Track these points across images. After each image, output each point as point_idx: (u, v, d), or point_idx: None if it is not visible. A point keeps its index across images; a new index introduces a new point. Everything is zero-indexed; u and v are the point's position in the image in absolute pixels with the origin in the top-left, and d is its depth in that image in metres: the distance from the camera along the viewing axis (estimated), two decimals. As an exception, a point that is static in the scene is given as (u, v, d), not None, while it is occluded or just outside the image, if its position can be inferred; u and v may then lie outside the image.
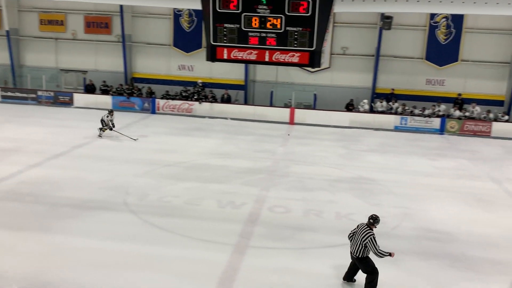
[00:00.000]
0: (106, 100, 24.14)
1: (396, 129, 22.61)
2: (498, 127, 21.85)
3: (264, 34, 10.13)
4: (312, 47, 10.18)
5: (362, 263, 7.43)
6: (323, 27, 9.96)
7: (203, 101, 23.79)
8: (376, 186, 13.39)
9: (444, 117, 22.38)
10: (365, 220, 7.75)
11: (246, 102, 25.19)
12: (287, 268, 8.28)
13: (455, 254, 9.10)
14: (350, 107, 23.48)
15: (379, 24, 22.75)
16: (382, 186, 13.40)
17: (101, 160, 14.60)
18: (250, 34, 10.16)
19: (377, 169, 15.37)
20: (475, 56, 23.59)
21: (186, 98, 24.12)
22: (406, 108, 22.76)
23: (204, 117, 23.51)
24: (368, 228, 7.42)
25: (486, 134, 21.90)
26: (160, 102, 24.01)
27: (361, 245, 7.35)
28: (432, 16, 23.46)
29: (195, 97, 24.00)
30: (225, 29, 10.23)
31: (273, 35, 10.13)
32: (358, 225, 7.69)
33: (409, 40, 23.95)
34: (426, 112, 22.38)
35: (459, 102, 23.00)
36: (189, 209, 10.92)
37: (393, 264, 8.53)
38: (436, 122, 22.28)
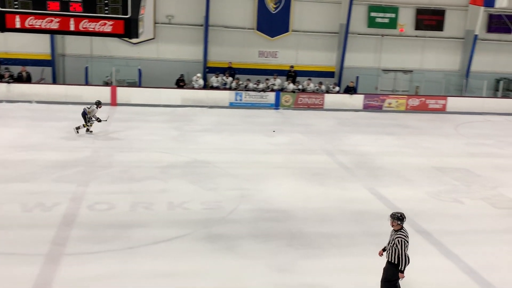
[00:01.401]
0: None
1: (232, 105, 23.49)
2: (330, 99, 24.25)
3: (66, -2, 9.43)
4: (126, 14, 9.85)
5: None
6: (138, -9, 9.70)
7: (-2, 82, 21.47)
8: (212, 169, 13.75)
9: (279, 91, 23.96)
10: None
11: (54, 81, 23.47)
12: (113, 273, 8.01)
13: (293, 232, 9.86)
14: (181, 83, 23.57)
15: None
16: (218, 168, 13.82)
17: None
18: (48, -3, 9.37)
19: (212, 150, 15.79)
20: (306, 26, 25.67)
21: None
22: (240, 82, 23.75)
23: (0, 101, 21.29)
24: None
25: (319, 107, 24.14)
26: None
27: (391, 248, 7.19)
28: (261, -18, 24.75)
29: (-16, 77, 21.50)
30: (14, -9, 9.25)
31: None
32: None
33: (239, 9, 24.92)
34: (261, 86, 23.67)
35: (292, 74, 24.84)
36: (-16, 218, 9.78)
37: (230, 251, 8.89)
38: (271, 97, 23.75)
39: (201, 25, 24.50)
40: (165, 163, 14.07)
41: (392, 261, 7.17)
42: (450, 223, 10.78)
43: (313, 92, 24.24)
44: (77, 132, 16.75)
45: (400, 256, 7.07)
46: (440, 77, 26.30)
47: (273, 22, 25.29)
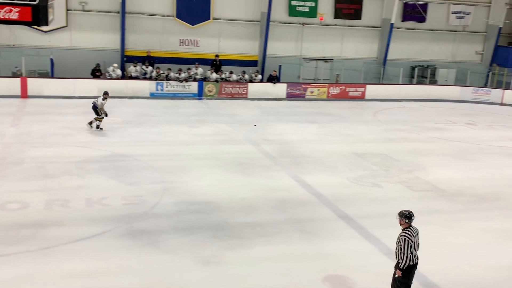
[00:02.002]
0: None
1: (152, 96, 23.07)
2: (253, 88, 24.46)
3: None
4: (34, 1, 9.34)
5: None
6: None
7: None
8: (133, 162, 13.47)
9: (202, 80, 23.82)
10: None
11: (-44, 73, 21.90)
12: (28, 275, 7.66)
13: (218, 224, 9.90)
14: (97, 73, 22.79)
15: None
16: (140, 162, 13.56)
17: None
18: None
19: (133, 143, 15.47)
20: (227, 14, 25.63)
21: None
22: (161, 72, 23.35)
23: None
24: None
25: (243, 96, 24.28)
26: None
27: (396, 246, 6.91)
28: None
29: None
30: None
31: (-22, -17, 8.90)
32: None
33: (158, -5, 24.44)
34: (183, 75, 23.40)
35: (217, 64, 24.77)
36: None
37: (154, 247, 8.79)
38: (193, 87, 23.58)
39: (117, 12, 23.76)
40: (82, 157, 13.59)
41: (398, 261, 6.97)
42: (370, 206, 11.29)
43: (237, 81, 24.33)
44: (91, 127, 16.65)
45: (401, 253, 6.85)
46: (359, 65, 27.28)
47: (193, 10, 25.03)
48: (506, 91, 26.88)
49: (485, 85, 28.69)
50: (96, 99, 16.74)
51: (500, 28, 29.42)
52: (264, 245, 9.15)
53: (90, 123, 16.68)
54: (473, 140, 18.29)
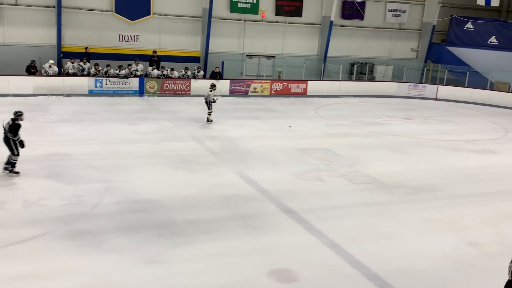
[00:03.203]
0: None
1: (91, 93, 22.46)
2: (196, 85, 24.27)
3: None
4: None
5: None
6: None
7: None
8: (72, 162, 13.06)
9: (143, 77, 23.40)
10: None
11: None
12: (-40, 283, 7.28)
13: (162, 222, 9.77)
14: (32, 69, 21.89)
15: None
16: (79, 161, 13.17)
17: None
18: None
19: (72, 141, 15.00)
20: (168, 9, 25.30)
21: None
22: (100, 68, 22.74)
23: None
24: None
25: (186, 93, 24.06)
26: None
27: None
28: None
29: None
30: None
31: None
32: None
33: (96, -10, 23.78)
34: (123, 72, 22.90)
35: (156, 60, 24.39)
36: None
37: (96, 247, 8.56)
38: (134, 83, 23.12)
39: (53, 7, 22.93)
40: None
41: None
42: (313, 200, 11.48)
43: (179, 78, 24.06)
44: (210, 121, 18.49)
45: None
46: (300, 62, 27.66)
47: (133, 5, 24.53)
48: (440, 86, 28.07)
49: (421, 81, 29.85)
50: (208, 94, 18.29)
51: (434, 26, 30.68)
52: (209, 241, 9.11)
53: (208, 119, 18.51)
54: (409, 134, 18.98)
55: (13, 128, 11.57)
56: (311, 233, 9.73)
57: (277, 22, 27.84)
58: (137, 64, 23.54)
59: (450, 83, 28.54)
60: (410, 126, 20.69)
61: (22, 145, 11.76)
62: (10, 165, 11.73)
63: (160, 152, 14.59)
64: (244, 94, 25.18)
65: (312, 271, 8.27)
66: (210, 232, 9.48)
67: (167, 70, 23.85)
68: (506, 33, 30.13)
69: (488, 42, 30.38)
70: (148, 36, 25.13)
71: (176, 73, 24.01)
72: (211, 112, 18.63)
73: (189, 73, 24.31)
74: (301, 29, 28.52)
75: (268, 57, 28.21)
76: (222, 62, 25.77)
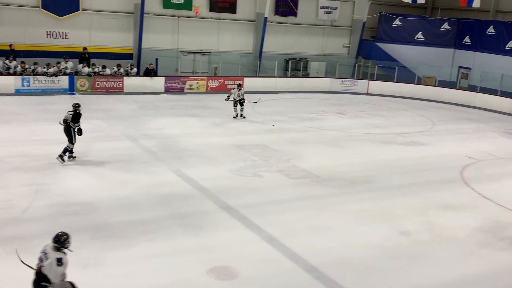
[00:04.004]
0: None
1: (18, 92, 21.47)
2: (130, 82, 23.75)
3: None
4: None
5: None
6: None
7: None
8: (-1, 165, 12.45)
9: (73, 75, 22.60)
10: None
11: None
12: None
13: (97, 225, 9.50)
14: (-49, 68, 20.63)
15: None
16: (7, 163, 12.57)
17: None
18: None
19: (-2, 144, 14.29)
20: (97, 5, 24.56)
21: None
22: (27, 66, 21.74)
23: None
24: None
25: (119, 91, 23.48)
26: None
27: None
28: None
29: None
30: None
31: None
32: None
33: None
34: (51, 70, 22.01)
35: (86, 57, 23.62)
36: None
37: (27, 253, 8.16)
38: (64, 81, 22.28)
39: (-27, 1, 21.71)
40: None
41: None
42: (251, 196, 11.55)
43: (111, 75, 23.44)
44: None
45: None
46: (236, 59, 27.69)
47: (61, 0, 23.61)
48: (371, 81, 29.00)
49: (352, 77, 30.70)
50: (237, 94, 19.28)
51: (364, 23, 31.62)
52: (147, 242, 8.97)
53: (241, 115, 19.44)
54: (343, 128, 19.50)
55: (75, 117, 13.01)
56: (250, 229, 9.80)
57: (211, 18, 27.72)
58: (67, 61, 22.69)
59: (380, 78, 29.58)
60: (344, 120, 21.26)
61: (80, 133, 13.13)
62: (66, 152, 12.99)
63: (93, 152, 14.17)
64: (180, 91, 24.91)
65: (251, 266, 8.33)
66: (149, 233, 9.33)
67: (98, 68, 23.15)
68: (431, 29, 31.61)
69: (415, 38, 31.73)
70: (77, 32, 24.29)
71: (108, 71, 23.35)
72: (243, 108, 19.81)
73: (122, 70, 23.72)
74: (235, 26, 28.55)
75: (203, 53, 28.05)
76: (156, 59, 25.35)
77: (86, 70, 22.95)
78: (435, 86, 28.51)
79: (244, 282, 7.91)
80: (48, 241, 8.49)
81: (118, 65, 23.75)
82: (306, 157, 14.98)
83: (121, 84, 23.53)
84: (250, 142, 16.28)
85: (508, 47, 28.75)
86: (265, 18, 28.29)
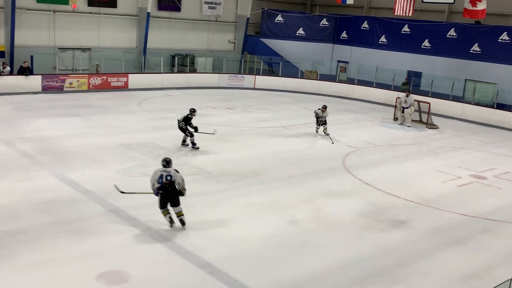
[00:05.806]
0: None
1: None
2: (2, 82, 22.06)
3: None
4: None
5: None
6: None
7: None
8: None
9: None
10: None
11: None
12: None
13: (-30, 238, 8.73)
14: None
15: None
16: None
17: None
18: None
19: None
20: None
21: None
22: None
23: None
24: None
25: (-10, 91, 21.71)
26: None
27: None
28: None
29: None
30: None
31: None
32: None
33: None
34: None
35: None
36: None
37: None
38: None
39: None
40: None
41: None
42: (139, 196, 11.18)
43: (-20, 74, 21.59)
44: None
45: None
46: (119, 55, 26.79)
47: None
48: (257, 76, 29.59)
49: (239, 72, 31.15)
50: (321, 115, 18.34)
51: (248, 19, 32.18)
52: (28, 252, 8.40)
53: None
54: (232, 123, 19.72)
55: (185, 119, 15.44)
56: (140, 230, 9.57)
57: (90, 13, 26.53)
58: None
59: (265, 73, 30.29)
60: (233, 115, 21.50)
61: (196, 130, 15.52)
62: (192, 144, 15.53)
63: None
64: (59, 90, 23.58)
65: (143, 268, 8.15)
66: (30, 242, 8.75)
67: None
68: (311, 25, 33.00)
69: (297, 34, 32.93)
70: None
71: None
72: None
73: (-7, 69, 21.97)
74: (117, 21, 27.61)
75: (83, 49, 26.79)
76: (31, 56, 23.73)
77: (-50, 69, 20.92)
78: (317, 79, 29.83)
79: (135, 285, 7.71)
80: None
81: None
82: (197, 154, 14.94)
83: (-8, 84, 21.75)
84: (137, 141, 15.88)
85: (381, 41, 30.90)
86: (148, 13, 27.69)
